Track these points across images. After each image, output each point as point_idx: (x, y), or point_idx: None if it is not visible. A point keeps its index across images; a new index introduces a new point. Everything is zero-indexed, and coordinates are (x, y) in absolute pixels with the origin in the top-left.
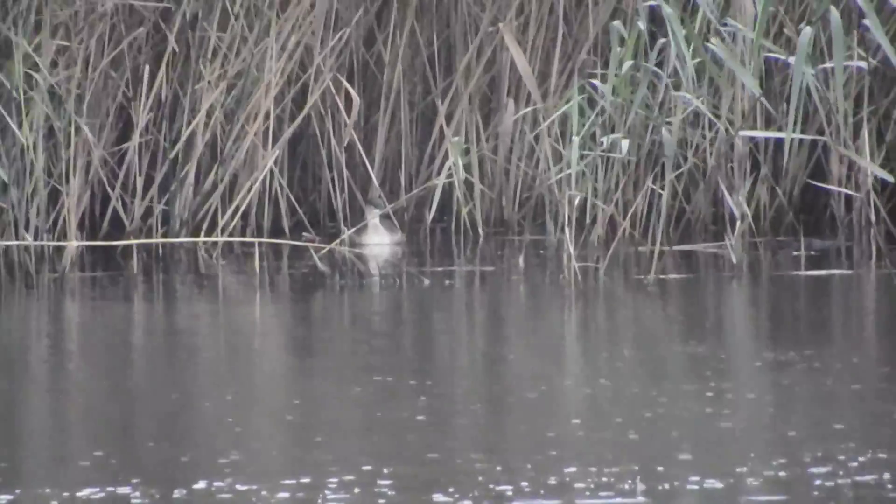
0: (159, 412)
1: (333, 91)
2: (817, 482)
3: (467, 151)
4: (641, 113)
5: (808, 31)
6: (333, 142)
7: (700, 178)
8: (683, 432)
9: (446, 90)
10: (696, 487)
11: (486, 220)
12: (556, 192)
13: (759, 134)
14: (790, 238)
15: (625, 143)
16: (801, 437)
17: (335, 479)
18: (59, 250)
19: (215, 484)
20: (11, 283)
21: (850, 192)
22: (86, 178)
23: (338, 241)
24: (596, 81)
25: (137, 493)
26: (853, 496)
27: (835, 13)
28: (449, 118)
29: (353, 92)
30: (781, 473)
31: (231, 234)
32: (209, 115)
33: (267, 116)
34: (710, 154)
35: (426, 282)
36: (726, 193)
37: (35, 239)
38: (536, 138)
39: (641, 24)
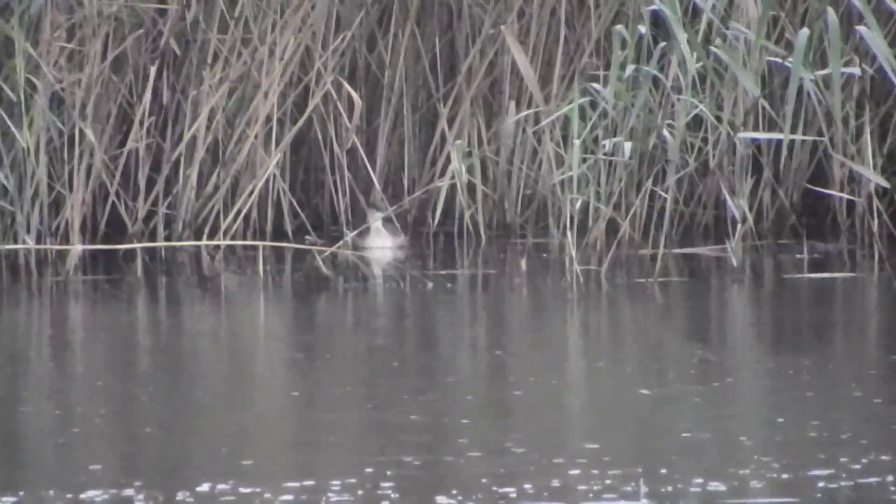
0: (163, 414)
1: (335, 95)
2: (820, 484)
3: (469, 154)
4: (643, 116)
5: (804, 32)
6: (335, 145)
7: (700, 181)
8: (686, 434)
9: (448, 93)
10: (699, 490)
11: (489, 224)
12: (559, 195)
13: (757, 135)
14: (792, 241)
15: (627, 146)
16: (803, 440)
17: (338, 482)
18: (62, 254)
19: (218, 486)
20: (15, 286)
21: (850, 198)
22: (87, 181)
23: (339, 244)
24: (597, 85)
25: (141, 496)
26: (856, 498)
27: (832, 16)
28: (451, 121)
29: (354, 95)
30: (784, 476)
31: (233, 238)
32: (210, 118)
33: (268, 120)
34: (713, 157)
35: (429, 285)
36: (727, 196)
37: (37, 242)
38: (539, 141)
39: (642, 28)
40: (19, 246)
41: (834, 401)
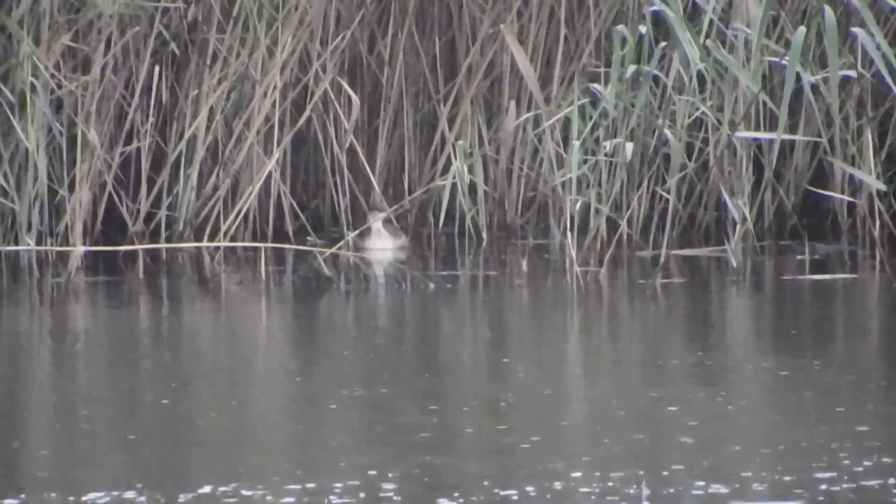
0: (165, 416)
1: (332, 95)
2: (822, 487)
3: (470, 155)
4: (644, 116)
5: (801, 31)
6: (336, 146)
7: (698, 182)
8: (687, 436)
9: (448, 93)
10: (700, 492)
11: (490, 224)
12: (560, 196)
13: (753, 135)
14: (793, 242)
15: (629, 147)
16: (804, 441)
17: (340, 484)
18: (62, 255)
19: (220, 489)
20: (16, 288)
21: (851, 200)
22: (88, 182)
23: (338, 245)
24: (597, 86)
25: (143, 498)
26: (858, 501)
27: (830, 15)
28: (451, 122)
29: (352, 94)
30: (786, 478)
31: (234, 239)
32: (210, 118)
33: (267, 120)
34: (713, 158)
35: (431, 286)
36: (726, 197)
37: (38, 243)
38: (539, 140)
39: (643, 28)
40: (20, 247)
41: (835, 402)
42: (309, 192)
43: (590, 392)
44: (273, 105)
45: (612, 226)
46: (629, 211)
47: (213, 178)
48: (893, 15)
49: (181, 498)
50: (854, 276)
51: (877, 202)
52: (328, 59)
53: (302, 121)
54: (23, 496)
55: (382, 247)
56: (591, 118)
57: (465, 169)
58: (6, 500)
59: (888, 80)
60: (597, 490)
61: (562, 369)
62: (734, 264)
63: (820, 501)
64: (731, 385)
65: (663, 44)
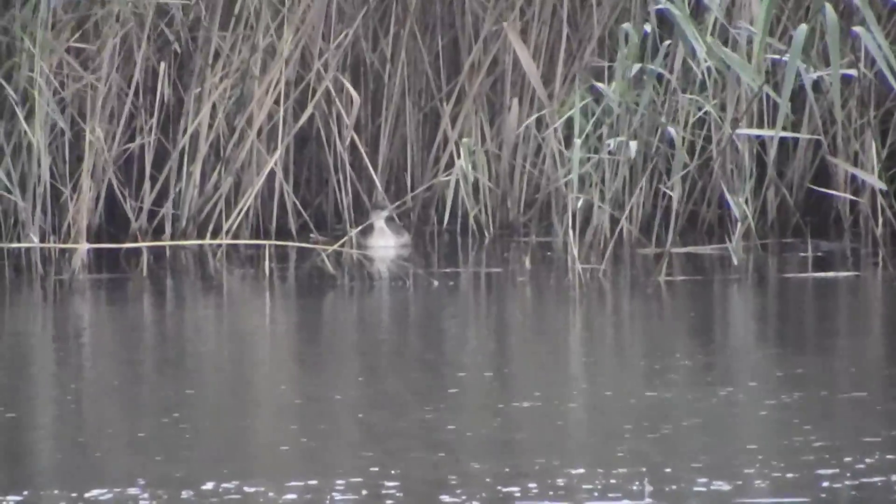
0: (168, 413)
1: (333, 92)
2: (824, 484)
3: (473, 153)
4: (647, 115)
5: (803, 28)
6: (339, 144)
7: (701, 179)
8: (690, 434)
9: (451, 91)
10: (703, 489)
11: (493, 222)
12: (564, 193)
13: (753, 132)
14: (797, 240)
15: (633, 145)
16: (807, 439)
17: (342, 481)
18: (66, 252)
19: (223, 485)
20: (20, 285)
21: (853, 198)
22: (91, 179)
23: (340, 242)
24: (600, 84)
25: (146, 495)
26: (860, 498)
27: (831, 14)
28: (454, 120)
29: (352, 91)
30: (788, 475)
31: (237, 236)
32: (213, 116)
33: (270, 117)
34: (715, 155)
35: (434, 283)
36: (727, 194)
37: (42, 241)
38: (542, 138)
39: (647, 27)
40: (24, 245)
41: (837, 400)
42: (312, 190)
43: (592, 389)
44: (276, 103)
45: (615, 223)
46: (631, 208)
47: (215, 176)
48: (894, 15)
49: (184, 494)
50: (856, 273)
51: (879, 200)
52: (330, 57)
53: (304, 119)
54: (26, 493)
55: (385, 244)
56: (593, 113)
57: (470, 167)
58: (9, 497)
59: (890, 79)
60: (599, 487)
61: (564, 366)
62: (735, 261)
63: (822, 499)
64: (733, 382)
65: (667, 42)
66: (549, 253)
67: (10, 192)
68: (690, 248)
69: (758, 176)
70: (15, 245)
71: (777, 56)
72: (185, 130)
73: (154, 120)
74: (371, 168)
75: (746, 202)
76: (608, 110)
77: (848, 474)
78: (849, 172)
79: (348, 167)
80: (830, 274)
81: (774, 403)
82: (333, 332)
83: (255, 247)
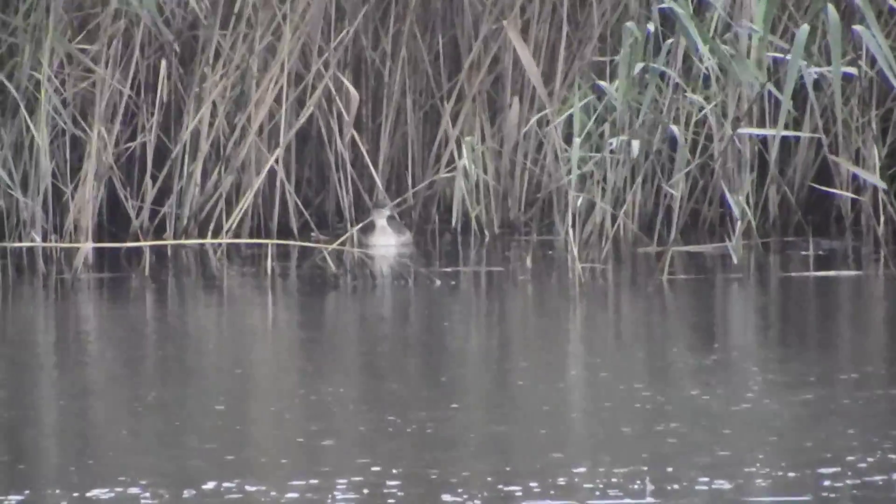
0: (169, 412)
1: (333, 91)
2: (826, 483)
3: (474, 151)
4: (649, 114)
5: (804, 28)
6: (339, 143)
7: (702, 178)
8: (692, 432)
9: (451, 90)
10: (704, 488)
11: (494, 221)
12: (565, 192)
13: (754, 131)
14: (798, 238)
15: (635, 144)
16: (808, 438)
17: (344, 480)
18: (68, 251)
19: (224, 484)
20: (22, 284)
21: (855, 196)
22: (92, 179)
23: (341, 240)
24: (603, 83)
25: (147, 494)
26: (862, 497)
27: (833, 12)
28: (454, 118)
29: (351, 88)
30: (790, 474)
31: (238, 235)
32: (213, 115)
33: (271, 116)
34: (716, 154)
35: (437, 282)
36: (727, 193)
37: (44, 240)
38: (543, 136)
39: (650, 26)
40: (26, 244)
41: (839, 398)
42: (313, 189)
43: (593, 388)
44: (276, 101)
45: (616, 222)
46: (632, 207)
47: (216, 175)
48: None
49: (185, 494)
50: (858, 272)
51: (881, 198)
52: (331, 56)
53: (304, 117)
54: (27, 492)
55: (386, 243)
56: (595, 110)
57: (472, 165)
58: (11, 497)
59: (890, 78)
60: (600, 486)
61: (565, 365)
62: (735, 260)
63: (824, 497)
64: (734, 381)
65: (670, 41)
66: (550, 251)
67: (12, 191)
68: (692, 247)
69: (759, 174)
70: (17, 244)
71: (779, 55)
72: (185, 129)
73: (155, 119)
74: (372, 166)
75: (748, 201)
76: (610, 108)
77: (849, 473)
78: (850, 171)
79: (349, 165)
80: (832, 272)
81: (775, 402)
82: (335, 331)
83: (257, 245)
